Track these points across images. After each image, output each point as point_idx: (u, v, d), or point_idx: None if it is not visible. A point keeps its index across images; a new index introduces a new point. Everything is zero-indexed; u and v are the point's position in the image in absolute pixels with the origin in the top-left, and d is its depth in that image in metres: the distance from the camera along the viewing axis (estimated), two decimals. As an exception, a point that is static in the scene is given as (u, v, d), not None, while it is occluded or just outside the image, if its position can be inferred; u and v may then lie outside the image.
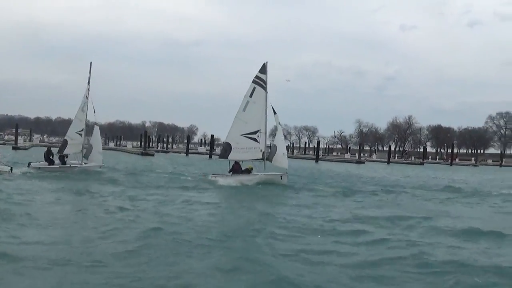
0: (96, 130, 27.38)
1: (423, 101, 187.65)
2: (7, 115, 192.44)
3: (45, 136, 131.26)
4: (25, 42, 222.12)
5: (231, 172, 24.11)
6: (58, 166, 25.65)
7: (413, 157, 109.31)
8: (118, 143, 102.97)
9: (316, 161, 72.51)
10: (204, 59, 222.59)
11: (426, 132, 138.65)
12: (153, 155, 64.59)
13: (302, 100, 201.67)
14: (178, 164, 41.85)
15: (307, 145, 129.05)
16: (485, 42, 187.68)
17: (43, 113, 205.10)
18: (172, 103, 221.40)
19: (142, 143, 76.15)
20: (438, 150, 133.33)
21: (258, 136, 24.34)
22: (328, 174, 36.66)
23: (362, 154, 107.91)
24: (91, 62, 27.75)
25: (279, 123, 25.64)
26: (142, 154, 63.60)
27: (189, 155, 74.22)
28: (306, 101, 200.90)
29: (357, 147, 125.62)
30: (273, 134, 51.53)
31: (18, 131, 74.12)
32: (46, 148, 27.56)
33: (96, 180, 21.86)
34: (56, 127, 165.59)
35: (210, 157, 65.74)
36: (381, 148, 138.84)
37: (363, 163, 76.62)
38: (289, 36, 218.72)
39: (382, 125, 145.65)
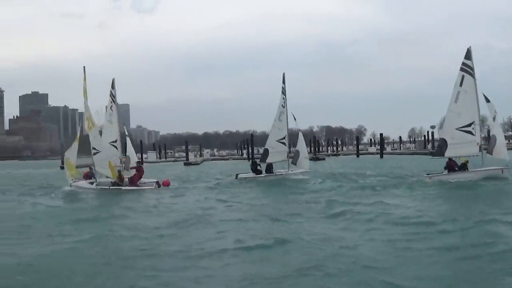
0: (301, 136, 27.40)
1: None
2: (175, 133, 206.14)
3: (215, 150, 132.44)
4: (186, 62, 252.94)
5: (446, 170, 22.47)
6: (263, 175, 26.19)
7: None
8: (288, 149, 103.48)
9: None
10: (361, 58, 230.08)
11: None
12: (324, 159, 64.41)
13: None
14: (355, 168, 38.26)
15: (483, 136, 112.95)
16: None
17: (211, 128, 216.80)
18: (337, 105, 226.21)
19: (312, 149, 75.97)
20: None
21: (473, 129, 22.34)
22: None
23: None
24: (284, 73, 28.34)
25: (496, 112, 22.61)
26: (313, 159, 61.90)
27: (359, 156, 73.10)
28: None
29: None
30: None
31: (188, 147, 76.91)
32: (250, 161, 29.99)
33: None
34: (225, 140, 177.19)
35: (381, 156, 64.00)
36: None
37: None
38: (445, 22, 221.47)
39: None
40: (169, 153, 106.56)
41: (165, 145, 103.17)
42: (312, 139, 73.74)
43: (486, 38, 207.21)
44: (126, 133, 27.30)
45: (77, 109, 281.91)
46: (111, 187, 22.53)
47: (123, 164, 23.79)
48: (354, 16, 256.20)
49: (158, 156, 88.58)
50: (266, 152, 27.26)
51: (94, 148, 23.34)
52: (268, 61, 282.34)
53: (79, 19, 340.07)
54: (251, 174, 26.54)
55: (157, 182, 23.24)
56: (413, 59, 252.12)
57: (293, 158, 26.81)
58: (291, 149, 30.30)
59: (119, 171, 23.13)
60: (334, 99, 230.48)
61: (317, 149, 71.91)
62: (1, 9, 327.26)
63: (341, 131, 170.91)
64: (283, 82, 27.77)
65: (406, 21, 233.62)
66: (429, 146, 77.36)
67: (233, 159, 77.24)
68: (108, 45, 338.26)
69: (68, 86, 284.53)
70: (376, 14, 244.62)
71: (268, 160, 26.84)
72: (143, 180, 23.68)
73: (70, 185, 24.02)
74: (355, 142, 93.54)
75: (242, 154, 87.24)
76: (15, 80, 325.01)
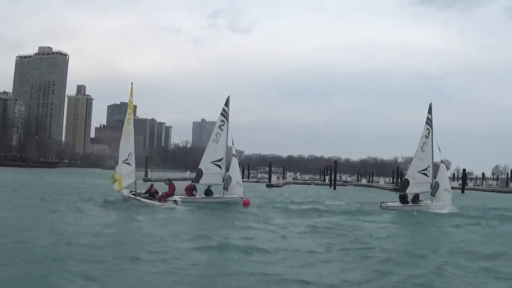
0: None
1: None
2: (260, 154, 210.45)
3: (297, 174, 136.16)
4: (277, 84, 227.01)
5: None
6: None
7: None
8: (370, 179, 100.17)
9: None
10: (453, 91, 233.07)
11: None
12: None
13: None
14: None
15: None
16: None
17: (296, 152, 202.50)
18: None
19: (394, 179, 77.96)
20: None
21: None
22: None
23: None
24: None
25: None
26: (394, 189, 58.53)
27: None
28: None
29: None
30: None
31: (271, 169, 75.46)
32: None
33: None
34: (308, 165, 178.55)
35: (463, 191, 60.82)
36: None
37: None
38: None
39: None
40: (252, 174, 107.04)
41: (249, 165, 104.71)
42: (395, 170, 77.15)
43: None
44: (234, 152, 28.13)
45: (164, 123, 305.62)
46: (139, 198, 23.65)
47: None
48: (448, 49, 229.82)
49: (241, 176, 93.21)
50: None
51: (126, 160, 24.90)
52: (360, 89, 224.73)
53: (176, 34, 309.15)
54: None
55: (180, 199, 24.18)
56: (504, 96, 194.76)
57: (433, 190, 26.30)
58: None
59: (151, 185, 24.93)
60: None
61: (399, 179, 70.10)
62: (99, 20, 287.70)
63: None
64: (430, 112, 27.12)
65: (500, 57, 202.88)
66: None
67: (315, 184, 79.16)
68: (201, 62, 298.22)
69: (158, 100, 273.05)
70: (470, 48, 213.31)
71: (202, 182, 26.48)
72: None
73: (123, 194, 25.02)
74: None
75: (324, 180, 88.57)
76: (105, 89, 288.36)
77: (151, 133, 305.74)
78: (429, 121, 27.08)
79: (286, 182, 76.79)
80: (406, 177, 28.18)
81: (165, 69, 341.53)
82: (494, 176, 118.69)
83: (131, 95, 26.07)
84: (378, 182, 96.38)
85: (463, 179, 72.34)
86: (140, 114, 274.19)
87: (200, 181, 26.57)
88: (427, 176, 26.56)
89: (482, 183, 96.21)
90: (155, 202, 23.12)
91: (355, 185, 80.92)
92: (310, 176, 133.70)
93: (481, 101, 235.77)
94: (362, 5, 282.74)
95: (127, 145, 25.45)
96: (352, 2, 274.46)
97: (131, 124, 25.63)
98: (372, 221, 20.58)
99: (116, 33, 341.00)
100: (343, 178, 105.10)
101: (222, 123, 27.26)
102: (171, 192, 24.18)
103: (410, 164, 29.56)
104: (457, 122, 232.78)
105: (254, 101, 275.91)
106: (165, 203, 23.19)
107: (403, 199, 26.61)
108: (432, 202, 26.31)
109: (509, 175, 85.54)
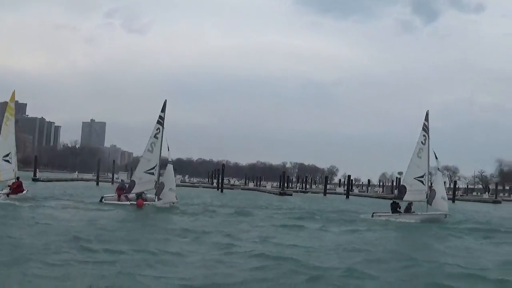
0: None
1: None
2: None
3: (186, 177, 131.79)
4: (169, 85, 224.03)
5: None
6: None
7: None
8: (258, 183, 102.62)
9: (453, 201, 63.95)
10: (343, 99, 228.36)
11: None
12: (291, 194, 64.90)
13: (442, 138, 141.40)
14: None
15: (449, 185, 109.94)
16: None
17: (184, 154, 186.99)
18: (312, 143, 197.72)
19: (281, 184, 77.20)
20: None
21: (424, 179, 26.22)
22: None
23: (502, 194, 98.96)
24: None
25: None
26: (280, 194, 64.51)
27: (326, 195, 73.90)
28: (447, 139, 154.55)
29: (499, 187, 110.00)
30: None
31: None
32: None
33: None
34: (197, 168, 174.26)
35: (347, 197, 65.61)
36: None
37: (500, 202, 72.51)
38: (429, 74, 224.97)
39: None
40: None
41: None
42: (282, 174, 76.84)
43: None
44: (170, 159, 27.99)
45: (54, 122, 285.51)
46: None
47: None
48: (341, 57, 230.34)
49: (129, 178, 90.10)
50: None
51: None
52: (252, 94, 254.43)
53: (71, 32, 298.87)
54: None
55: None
56: (393, 106, 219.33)
57: (429, 197, 26.17)
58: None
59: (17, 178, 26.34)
60: (310, 137, 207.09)
61: (285, 184, 74.34)
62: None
63: (314, 169, 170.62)
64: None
65: (391, 69, 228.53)
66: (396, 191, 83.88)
67: (203, 187, 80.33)
68: (94, 62, 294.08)
69: (49, 98, 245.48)
70: (363, 57, 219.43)
71: (134, 191, 26.51)
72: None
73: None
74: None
75: (212, 183, 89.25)
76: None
77: (40, 133, 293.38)
78: (425, 128, 26.74)
79: (177, 185, 72.53)
80: (402, 183, 27.54)
81: (58, 67, 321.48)
82: (381, 184, 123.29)
83: (12, 100, 27.12)
84: (265, 186, 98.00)
85: (348, 185, 75.82)
86: (30, 112, 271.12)
87: (133, 191, 26.63)
88: (423, 184, 26.10)
89: (368, 189, 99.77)
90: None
91: (242, 189, 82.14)
92: (198, 179, 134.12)
93: (368, 110, 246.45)
94: (258, 11, 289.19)
95: (3, 144, 26.23)
96: (249, 8, 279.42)
97: (10, 126, 26.69)
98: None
99: (9, 30, 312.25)
100: (231, 182, 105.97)
101: (158, 131, 27.09)
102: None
103: (405, 171, 28.22)
104: (347, 128, 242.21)
105: (145, 101, 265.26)
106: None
107: (395, 208, 25.83)
108: (426, 211, 25.74)
109: (394, 183, 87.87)
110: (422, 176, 26.06)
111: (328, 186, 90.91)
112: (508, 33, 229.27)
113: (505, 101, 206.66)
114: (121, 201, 26.29)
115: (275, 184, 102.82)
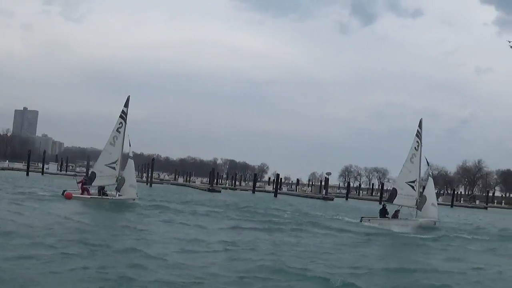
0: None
1: (496, 145, 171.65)
2: (79, 147, 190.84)
3: None
4: (103, 77, 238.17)
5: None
6: (90, 196, 26.34)
7: (477, 201, 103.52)
8: (188, 179, 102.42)
9: (380, 203, 61.04)
10: (277, 98, 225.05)
11: (495, 176, 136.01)
12: (219, 191, 64.57)
13: (374, 141, 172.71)
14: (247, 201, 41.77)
15: (378, 187, 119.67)
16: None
17: None
18: (244, 141, 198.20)
19: (210, 180, 78.74)
20: (506, 195, 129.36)
21: (415, 184, 26.66)
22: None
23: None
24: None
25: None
26: (209, 190, 64.39)
27: (255, 193, 73.58)
28: (378, 142, 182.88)
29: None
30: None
31: (90, 164, 71.68)
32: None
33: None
34: None
35: (275, 195, 65.35)
36: (450, 192, 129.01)
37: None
38: (363, 77, 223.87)
39: (452, 168, 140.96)
40: (71, 167, 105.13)
41: (67, 158, 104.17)
42: (211, 170, 78.07)
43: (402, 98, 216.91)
44: (131, 154, 28.20)
45: None
46: None
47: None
48: (276, 56, 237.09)
49: (59, 169, 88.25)
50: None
51: None
52: (186, 89, 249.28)
53: (8, 17, 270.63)
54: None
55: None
56: (326, 107, 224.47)
57: (419, 203, 26.47)
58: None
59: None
60: (243, 134, 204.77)
61: (215, 180, 76.19)
62: None
63: (244, 167, 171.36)
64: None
65: (326, 69, 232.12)
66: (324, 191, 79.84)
67: None
68: (29, 49, 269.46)
69: None
70: (299, 57, 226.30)
71: (95, 184, 26.89)
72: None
73: None
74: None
75: (142, 177, 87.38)
76: None
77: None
78: (419, 134, 27.51)
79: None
80: (394, 186, 27.80)
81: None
82: (310, 183, 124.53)
83: None
84: (195, 182, 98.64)
85: (276, 183, 77.05)
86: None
87: (93, 183, 27.05)
88: (414, 190, 26.61)
89: (297, 188, 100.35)
90: None
91: (171, 184, 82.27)
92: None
93: (302, 110, 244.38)
94: (197, 6, 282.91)
95: None
96: (188, 1, 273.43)
97: None
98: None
99: None
100: (161, 176, 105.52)
101: (120, 125, 27.58)
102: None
103: (398, 174, 28.56)
104: (279, 127, 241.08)
105: (77, 92, 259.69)
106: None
107: (383, 214, 25.84)
108: (415, 217, 26.09)
109: (322, 182, 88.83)
110: (413, 181, 26.67)
111: (258, 184, 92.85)
112: (444, 39, 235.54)
113: (437, 107, 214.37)
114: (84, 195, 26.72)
115: (205, 180, 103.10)
